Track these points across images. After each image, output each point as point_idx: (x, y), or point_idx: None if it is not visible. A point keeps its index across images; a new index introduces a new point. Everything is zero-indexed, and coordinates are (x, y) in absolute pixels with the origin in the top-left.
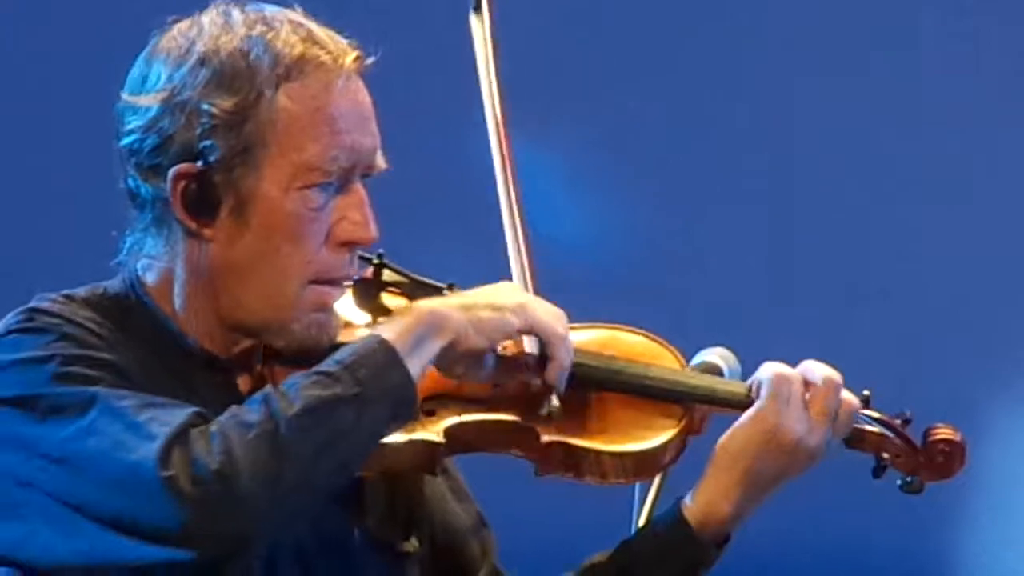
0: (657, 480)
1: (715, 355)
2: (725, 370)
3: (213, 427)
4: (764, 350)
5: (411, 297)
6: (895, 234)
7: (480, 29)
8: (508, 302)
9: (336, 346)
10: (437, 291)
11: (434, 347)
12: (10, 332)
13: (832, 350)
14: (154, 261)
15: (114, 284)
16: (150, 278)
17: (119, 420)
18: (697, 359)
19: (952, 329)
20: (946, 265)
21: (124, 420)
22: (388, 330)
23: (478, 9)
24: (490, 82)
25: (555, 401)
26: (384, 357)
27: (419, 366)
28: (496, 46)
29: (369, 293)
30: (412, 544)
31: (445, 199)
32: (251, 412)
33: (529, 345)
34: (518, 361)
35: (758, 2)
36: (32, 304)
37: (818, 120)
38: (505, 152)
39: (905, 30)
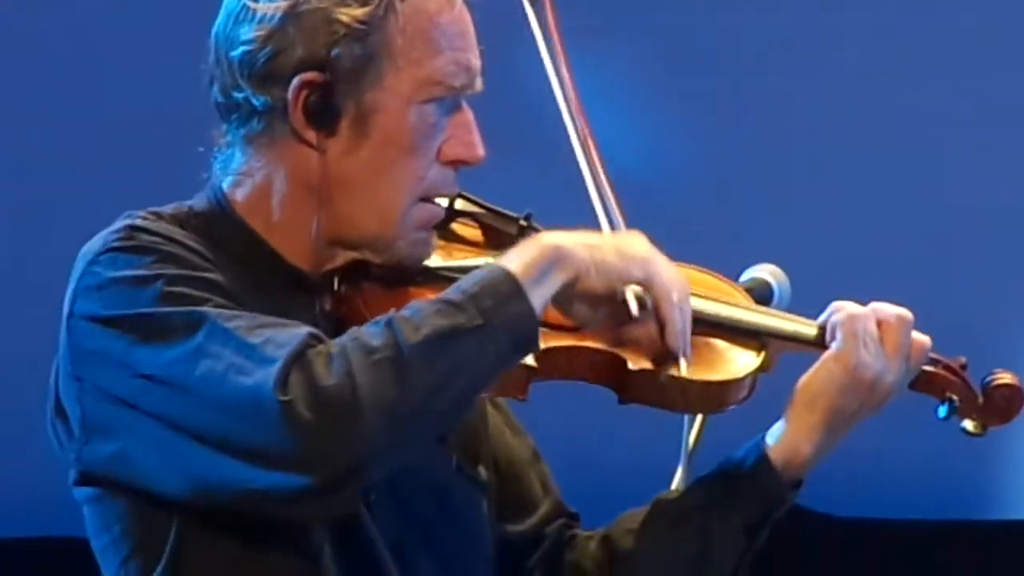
0: (699, 420)
1: (765, 272)
2: (775, 286)
3: (333, 348)
4: (819, 279)
5: (484, 227)
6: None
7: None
8: (635, 252)
9: (423, 268)
10: (512, 221)
11: (556, 281)
12: (109, 249)
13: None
14: (245, 176)
15: (199, 201)
16: (239, 194)
17: (231, 342)
18: (747, 275)
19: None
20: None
21: (237, 342)
22: (513, 261)
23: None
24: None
25: (683, 365)
26: (508, 288)
27: (542, 299)
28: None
29: (443, 221)
30: (480, 472)
31: (512, 130)
32: (374, 336)
33: (634, 305)
34: (634, 316)
35: None
36: (127, 221)
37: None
38: (577, 112)
39: None
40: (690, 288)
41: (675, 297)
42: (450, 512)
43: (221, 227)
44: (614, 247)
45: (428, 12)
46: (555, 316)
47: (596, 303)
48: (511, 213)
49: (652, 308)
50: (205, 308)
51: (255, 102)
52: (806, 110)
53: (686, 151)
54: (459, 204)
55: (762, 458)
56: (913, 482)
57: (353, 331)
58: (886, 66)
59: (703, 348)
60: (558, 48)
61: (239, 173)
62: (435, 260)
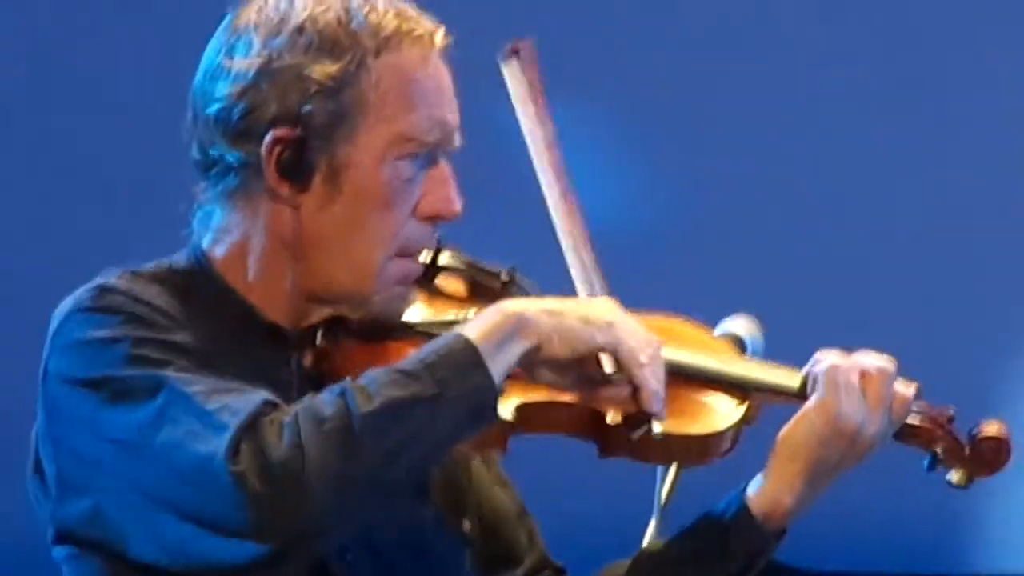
0: (673, 472)
1: (738, 326)
2: (747, 340)
3: (286, 417)
4: (802, 330)
5: (469, 281)
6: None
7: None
8: (598, 317)
9: (402, 323)
10: (495, 276)
11: (518, 349)
12: (79, 310)
13: (877, 339)
14: (223, 233)
15: (180, 258)
16: (219, 251)
17: (190, 408)
18: (718, 330)
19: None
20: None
21: (195, 408)
22: (473, 329)
23: (509, 59)
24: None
25: (656, 427)
26: (466, 358)
27: (502, 368)
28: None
29: (426, 275)
30: (466, 526)
31: (495, 183)
32: (327, 405)
33: (608, 364)
34: (607, 377)
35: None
36: (100, 281)
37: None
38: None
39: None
40: (661, 347)
41: (643, 359)
42: (430, 567)
43: (200, 285)
44: (577, 313)
45: (402, 68)
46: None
47: (563, 369)
48: (495, 267)
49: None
50: (166, 372)
51: (230, 158)
52: (785, 156)
53: (662, 201)
54: (443, 258)
55: (742, 509)
56: (893, 534)
57: (307, 399)
58: (862, 114)
59: (684, 401)
60: (537, 108)
61: (218, 230)
62: (418, 315)
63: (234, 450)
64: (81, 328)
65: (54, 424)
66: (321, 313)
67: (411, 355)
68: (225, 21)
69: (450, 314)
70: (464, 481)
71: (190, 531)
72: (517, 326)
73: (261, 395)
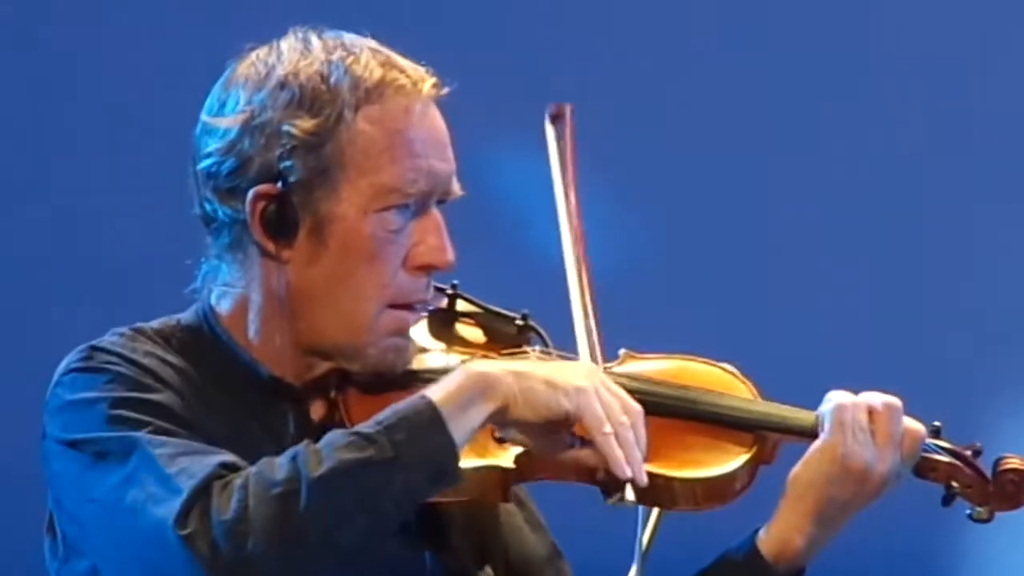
0: (654, 516)
1: None
2: None
3: (238, 480)
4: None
5: (485, 327)
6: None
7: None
8: (567, 382)
9: (409, 372)
10: (510, 321)
11: (482, 411)
12: (69, 371)
13: (895, 381)
14: (228, 288)
15: (188, 315)
16: (224, 307)
17: (154, 471)
18: None
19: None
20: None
21: (157, 471)
22: (437, 390)
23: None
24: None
25: (629, 494)
26: (426, 420)
27: (465, 430)
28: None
29: (444, 323)
30: (487, 573)
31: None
32: (279, 468)
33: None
34: (574, 442)
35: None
36: (95, 341)
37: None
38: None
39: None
40: (639, 414)
41: (606, 429)
42: None
43: (204, 342)
44: (544, 376)
45: (383, 119)
46: None
47: (533, 432)
48: (509, 312)
49: None
50: (140, 433)
51: (222, 214)
52: (776, 198)
53: (655, 248)
54: (459, 305)
55: (752, 550)
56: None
57: (263, 462)
58: (849, 159)
59: (691, 443)
60: (572, 172)
61: (223, 284)
62: (437, 361)
63: (184, 514)
64: (69, 389)
65: (52, 484)
66: (323, 366)
67: (372, 418)
68: (224, 74)
69: (457, 358)
70: (488, 526)
71: None
72: (482, 387)
73: (218, 457)
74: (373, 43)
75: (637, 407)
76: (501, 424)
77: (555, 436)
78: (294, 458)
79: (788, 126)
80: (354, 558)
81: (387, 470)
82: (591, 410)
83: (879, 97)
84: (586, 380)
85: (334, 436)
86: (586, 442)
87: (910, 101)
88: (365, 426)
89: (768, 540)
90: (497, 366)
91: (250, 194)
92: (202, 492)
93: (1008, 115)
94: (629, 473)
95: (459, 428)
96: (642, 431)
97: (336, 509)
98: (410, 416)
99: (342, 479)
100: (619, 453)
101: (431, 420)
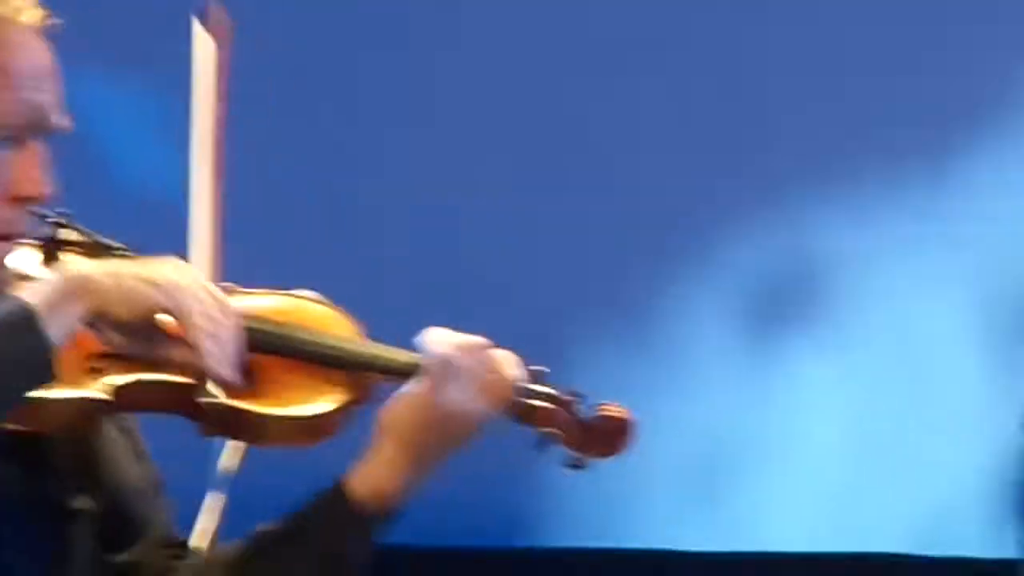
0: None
1: None
2: None
3: None
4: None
5: (91, 256)
6: None
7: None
8: (164, 278)
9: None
10: (118, 250)
11: (77, 310)
12: None
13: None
14: None
15: None
16: None
17: None
18: None
19: None
20: None
21: None
22: (32, 293)
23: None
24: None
25: (212, 390)
26: (20, 320)
27: (60, 330)
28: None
29: (49, 251)
30: (85, 501)
31: None
32: None
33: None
34: (179, 341)
35: None
36: None
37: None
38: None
39: None
40: (238, 317)
41: (201, 321)
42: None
43: None
44: (138, 274)
45: None
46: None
47: (130, 332)
48: (113, 243)
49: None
50: None
51: None
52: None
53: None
54: (64, 234)
55: (341, 493)
56: (485, 508)
57: None
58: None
59: (286, 380)
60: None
61: None
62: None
63: None
64: None
65: None
66: None
67: None
68: None
69: None
70: (91, 455)
71: None
72: (76, 288)
73: None
74: None
75: (234, 309)
76: (99, 326)
77: (152, 335)
78: None
79: None
80: None
81: None
82: (187, 306)
83: None
84: (186, 279)
85: None
86: (183, 342)
87: None
88: None
89: (357, 482)
90: (96, 267)
91: None
92: None
93: None
94: (225, 371)
95: (54, 327)
96: (237, 333)
97: None
98: (3, 317)
99: None
100: (209, 344)
101: (24, 320)
